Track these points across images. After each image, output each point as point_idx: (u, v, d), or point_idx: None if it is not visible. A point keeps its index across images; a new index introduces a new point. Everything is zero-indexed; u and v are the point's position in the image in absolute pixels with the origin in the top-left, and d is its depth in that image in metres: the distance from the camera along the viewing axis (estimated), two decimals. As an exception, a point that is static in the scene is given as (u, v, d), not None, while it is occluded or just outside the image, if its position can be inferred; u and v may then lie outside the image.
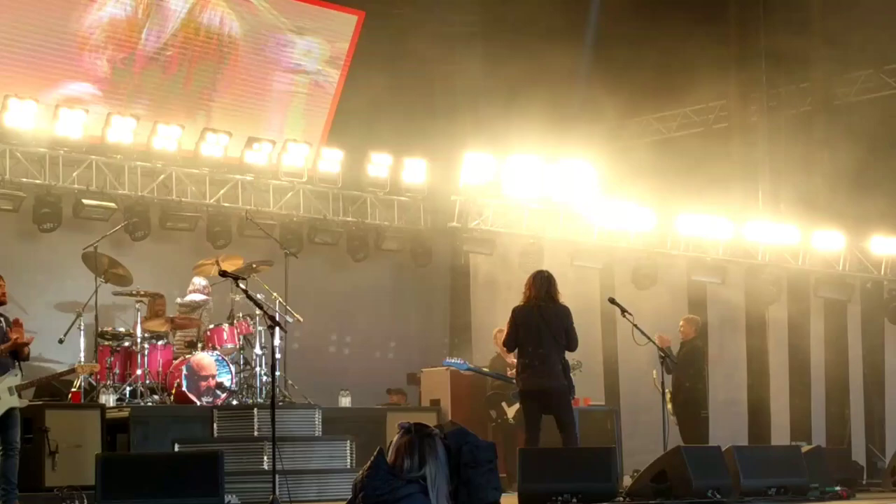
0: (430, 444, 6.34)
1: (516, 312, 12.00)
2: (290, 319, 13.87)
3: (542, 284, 11.91)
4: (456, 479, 6.36)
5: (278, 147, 15.98)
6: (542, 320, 11.83)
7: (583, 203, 17.16)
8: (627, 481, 12.80)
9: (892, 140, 19.51)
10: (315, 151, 16.45)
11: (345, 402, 15.00)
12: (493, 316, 18.03)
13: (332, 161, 16.37)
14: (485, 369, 15.06)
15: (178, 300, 14.25)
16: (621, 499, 11.42)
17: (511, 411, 15.36)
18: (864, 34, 20.26)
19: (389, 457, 6.37)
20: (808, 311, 19.11)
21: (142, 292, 13.67)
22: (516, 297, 17.80)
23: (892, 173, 19.35)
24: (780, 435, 18.02)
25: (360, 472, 6.36)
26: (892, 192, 19.00)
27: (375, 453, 6.36)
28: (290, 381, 14.18)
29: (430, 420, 13.67)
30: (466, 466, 6.39)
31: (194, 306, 14.09)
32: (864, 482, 16.35)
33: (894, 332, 19.60)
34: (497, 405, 15.43)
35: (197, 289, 14.21)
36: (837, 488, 13.05)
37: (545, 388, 11.86)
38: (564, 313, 11.92)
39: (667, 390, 13.82)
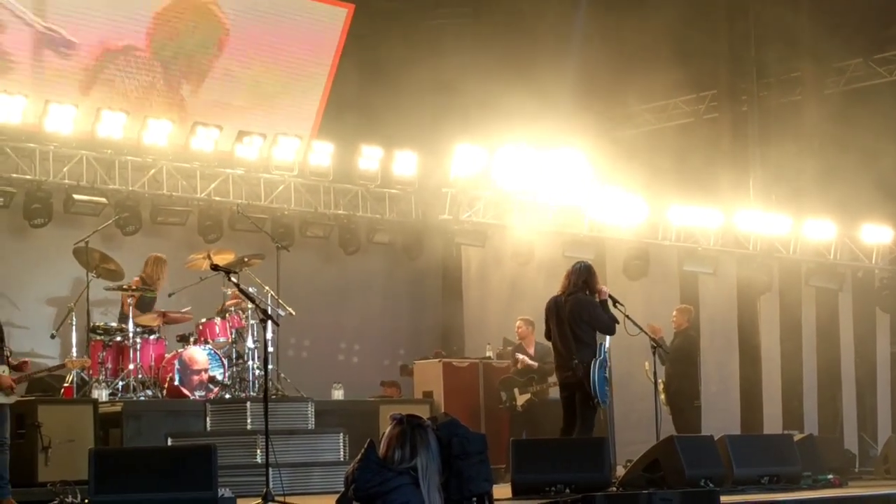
0: (421, 436, 6.35)
1: (547, 305, 12.24)
2: (282, 313, 13.85)
3: (573, 276, 12.07)
4: (447, 471, 6.37)
5: (269, 141, 15.97)
6: (562, 313, 12.02)
7: (574, 194, 17.16)
8: (621, 471, 12.81)
9: (882, 128, 19.54)
10: (306, 145, 16.44)
11: (337, 394, 15.00)
12: (486, 307, 18.11)
13: (322, 154, 16.36)
14: None
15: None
16: (614, 489, 11.43)
17: (521, 399, 15.41)
18: (854, 23, 20.30)
19: (381, 448, 6.38)
20: (799, 300, 19.13)
21: (133, 287, 13.66)
22: (508, 289, 18.03)
23: (882, 161, 19.38)
24: (772, 424, 18.04)
25: (352, 464, 6.37)
26: (883, 181, 19.03)
27: (366, 445, 6.38)
28: (282, 375, 14.18)
29: (422, 412, 13.66)
30: (457, 458, 6.41)
31: None
32: (856, 470, 16.40)
33: (885, 320, 19.64)
34: (510, 389, 15.48)
35: None
36: (830, 476, 13.09)
37: (565, 382, 12.19)
38: (582, 306, 11.97)
39: (659, 381, 13.83)
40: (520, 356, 15.56)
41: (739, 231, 18.41)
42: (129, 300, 13.48)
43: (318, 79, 17.76)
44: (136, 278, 14.06)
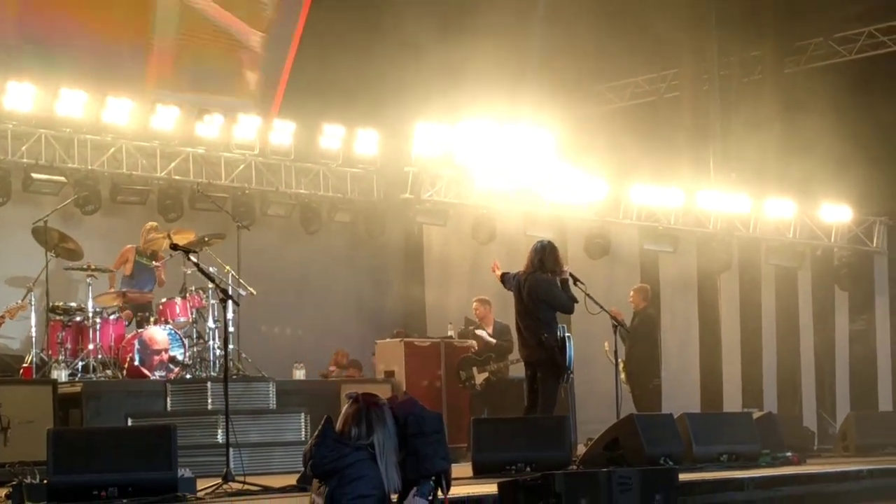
0: (377, 413, 6.41)
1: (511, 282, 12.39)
2: (242, 293, 13.82)
3: (533, 255, 12.20)
4: (404, 450, 6.43)
5: (229, 119, 15.89)
6: (522, 292, 12.17)
7: (535, 173, 17.17)
8: (582, 450, 12.87)
9: (842, 108, 19.64)
10: (267, 123, 16.37)
11: (299, 374, 14.99)
12: (447, 286, 18.12)
13: (284, 133, 16.31)
14: None
15: None
16: (575, 467, 11.49)
17: (480, 378, 15.46)
18: (815, 2, 20.40)
19: (338, 425, 6.45)
20: (759, 278, 19.25)
21: (93, 266, 13.58)
22: (470, 267, 18.05)
23: (842, 141, 19.49)
24: (732, 402, 18.17)
25: (309, 441, 6.43)
26: (843, 160, 19.14)
27: (323, 422, 6.43)
28: (243, 355, 14.15)
29: (384, 391, 13.68)
30: (413, 437, 6.45)
31: None
32: (815, 448, 16.51)
33: (844, 298, 19.79)
34: (468, 368, 15.51)
35: None
36: (788, 454, 13.17)
37: (526, 359, 12.43)
38: (539, 285, 12.09)
39: (620, 360, 13.90)
40: (478, 332, 15.58)
41: (700, 210, 18.49)
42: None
43: (279, 58, 17.69)
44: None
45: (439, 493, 6.59)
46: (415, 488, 6.45)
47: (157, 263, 14.12)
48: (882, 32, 20.27)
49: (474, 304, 15.74)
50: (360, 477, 6.24)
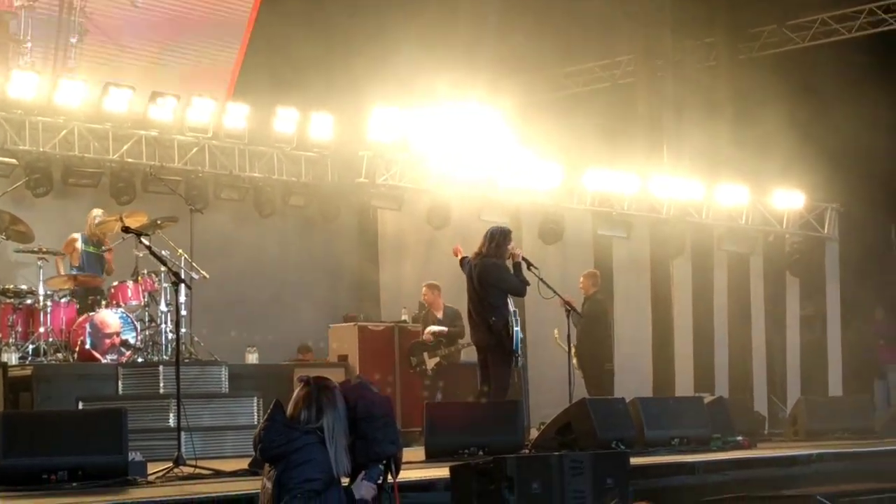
0: (327, 396, 6.41)
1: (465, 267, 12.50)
2: (195, 276, 13.75)
3: (486, 240, 12.29)
4: (353, 434, 6.43)
5: (183, 102, 15.77)
6: (472, 276, 12.28)
7: (491, 158, 17.19)
8: (535, 434, 12.92)
9: (794, 95, 19.79)
10: (221, 106, 16.26)
11: (252, 358, 14.93)
12: (401, 271, 18.11)
13: (237, 116, 16.19)
14: None
15: None
16: (527, 451, 11.53)
17: (431, 362, 15.47)
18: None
19: (289, 409, 6.45)
20: (711, 264, 19.39)
21: (44, 249, 13.48)
22: (424, 252, 18.04)
23: (794, 128, 19.64)
24: (684, 386, 18.29)
25: (259, 426, 6.43)
26: (795, 147, 19.29)
27: (272, 406, 6.43)
28: (195, 338, 14.09)
29: (337, 376, 13.67)
30: (361, 421, 6.46)
31: None
32: (765, 432, 16.63)
33: (795, 284, 19.96)
34: (419, 353, 15.52)
35: None
36: (739, 438, 13.27)
37: (476, 343, 12.52)
38: (489, 269, 12.17)
39: (572, 345, 13.94)
40: (430, 329, 15.58)
41: (653, 196, 18.57)
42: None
43: (234, 40, 17.59)
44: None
45: (389, 477, 6.59)
46: (363, 472, 6.45)
47: (106, 248, 14.02)
48: (835, 20, 20.45)
49: (423, 289, 15.76)
50: (308, 461, 6.24)
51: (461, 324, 15.04)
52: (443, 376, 15.44)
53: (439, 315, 15.60)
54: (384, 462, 6.56)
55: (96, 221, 13.93)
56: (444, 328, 15.46)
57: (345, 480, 6.51)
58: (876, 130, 18.85)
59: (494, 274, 12.22)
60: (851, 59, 20.31)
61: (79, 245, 13.86)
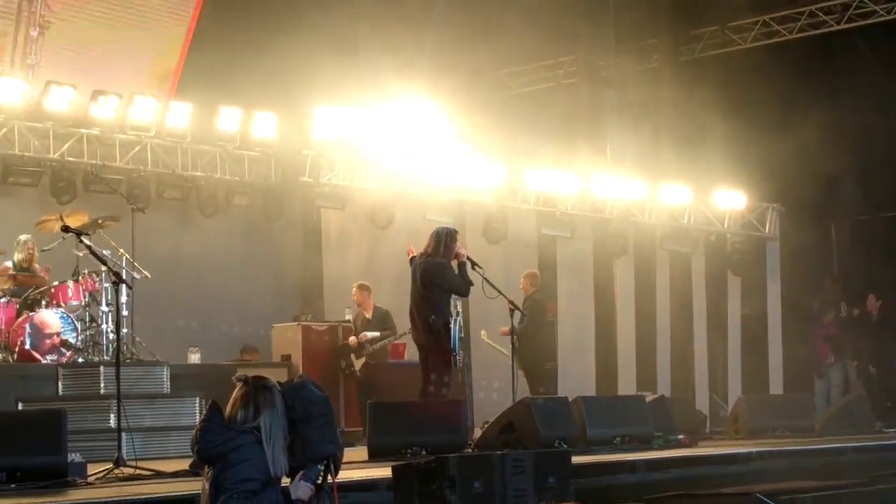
0: (265, 396, 6.40)
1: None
2: (136, 276, 13.67)
3: (432, 240, 12.36)
4: (292, 433, 6.43)
5: (125, 100, 15.65)
6: (416, 276, 12.38)
7: (435, 158, 17.20)
8: (479, 433, 12.95)
9: (736, 95, 19.96)
10: (163, 105, 16.15)
11: (194, 358, 14.87)
12: (345, 271, 18.07)
13: (180, 115, 16.07)
14: None
15: None
16: (470, 450, 11.55)
17: (358, 364, 15.49)
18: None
19: (227, 409, 6.43)
20: (653, 263, 19.50)
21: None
22: (368, 252, 18.02)
23: (736, 128, 19.82)
24: (626, 385, 18.39)
25: (196, 427, 6.42)
26: (737, 147, 19.47)
27: (208, 407, 6.42)
28: (137, 339, 14.00)
29: (280, 376, 13.62)
30: (300, 420, 6.46)
31: None
32: (707, 430, 16.76)
33: (736, 283, 20.12)
34: (347, 356, 15.53)
35: None
36: (680, 436, 13.37)
37: (417, 342, 12.61)
38: (433, 269, 12.23)
39: (514, 344, 13.98)
40: (362, 335, 15.59)
41: (596, 196, 18.65)
42: None
43: (177, 38, 17.49)
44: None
45: (329, 477, 6.59)
46: (301, 472, 6.44)
47: (38, 269, 13.83)
48: (776, 21, 20.64)
49: (353, 290, 15.79)
50: (245, 460, 6.22)
51: (392, 324, 15.13)
52: (371, 377, 15.41)
53: (369, 316, 15.64)
54: (323, 462, 6.56)
55: (27, 246, 13.75)
56: (377, 333, 15.47)
57: (286, 481, 6.51)
58: (816, 130, 19.04)
59: (438, 273, 12.29)
60: (792, 60, 20.52)
61: (8, 275, 13.65)
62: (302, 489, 6.41)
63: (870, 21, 19.99)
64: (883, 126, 20.33)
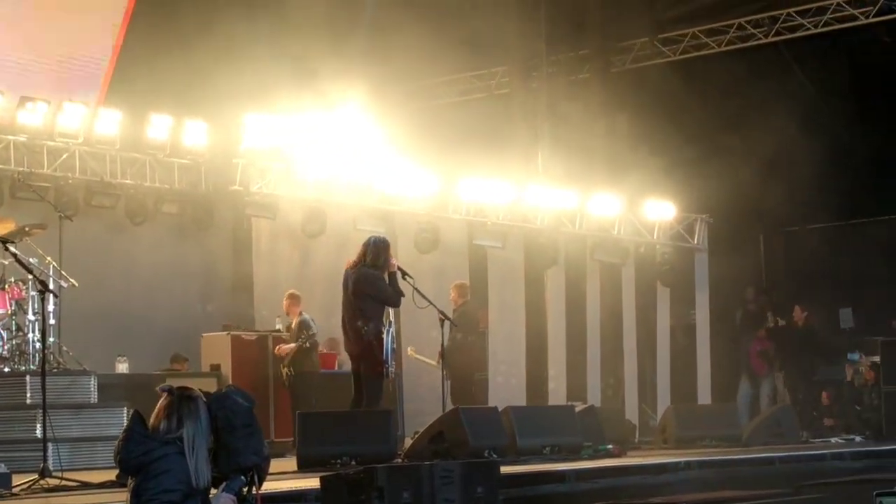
0: (189, 406, 6.37)
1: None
2: (64, 284, 13.51)
3: (364, 249, 12.30)
4: (216, 444, 6.40)
5: (53, 107, 15.51)
6: (348, 286, 12.33)
7: (367, 167, 17.19)
8: (409, 443, 12.95)
9: (666, 107, 20.13)
10: (92, 112, 16.01)
11: (122, 368, 14.74)
12: (276, 280, 17.99)
13: (110, 122, 15.95)
14: None
15: None
16: (400, 460, 11.55)
17: (284, 372, 15.45)
18: (640, 3, 20.86)
19: (151, 420, 6.39)
20: (584, 274, 19.61)
21: None
22: (299, 261, 17.95)
23: (666, 140, 20.00)
24: (557, 395, 18.47)
25: (119, 437, 6.38)
26: (667, 158, 19.64)
27: (130, 416, 6.39)
28: (64, 348, 13.83)
29: (209, 385, 13.55)
30: (222, 431, 6.43)
31: None
32: (636, 440, 16.88)
33: (666, 294, 20.28)
34: (277, 366, 15.47)
35: None
36: (609, 446, 13.45)
37: (349, 352, 12.61)
38: (365, 279, 12.22)
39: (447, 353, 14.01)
40: (279, 348, 15.58)
41: (528, 206, 18.72)
42: None
43: (106, 44, 17.33)
44: None
45: (254, 489, 6.55)
46: (224, 483, 6.40)
47: None
48: (705, 34, 20.84)
49: (285, 299, 15.77)
50: (166, 471, 6.19)
51: (308, 333, 15.10)
52: (293, 387, 15.35)
53: (293, 324, 15.63)
54: (248, 473, 6.53)
55: None
56: (292, 345, 15.43)
57: (213, 492, 6.46)
58: (744, 142, 19.26)
59: (371, 283, 12.27)
60: (721, 72, 20.73)
61: None
62: (224, 500, 6.36)
63: (797, 34, 20.24)
64: (810, 138, 20.59)
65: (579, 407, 14.57)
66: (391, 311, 12.78)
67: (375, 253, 12.33)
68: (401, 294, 12.47)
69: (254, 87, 17.57)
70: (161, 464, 6.20)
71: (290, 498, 8.58)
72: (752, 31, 20.48)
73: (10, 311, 13.29)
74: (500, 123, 20.36)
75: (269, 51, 17.48)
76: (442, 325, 13.23)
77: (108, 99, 17.09)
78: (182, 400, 6.38)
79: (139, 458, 6.24)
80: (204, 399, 6.44)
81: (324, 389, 15.31)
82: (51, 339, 12.70)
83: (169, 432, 6.31)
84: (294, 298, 15.70)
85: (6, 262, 13.16)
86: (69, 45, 17.07)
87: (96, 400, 12.91)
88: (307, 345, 15.31)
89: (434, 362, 15.26)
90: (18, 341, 13.30)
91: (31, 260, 12.02)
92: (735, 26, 20.58)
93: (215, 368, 15.39)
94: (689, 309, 20.56)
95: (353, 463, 11.02)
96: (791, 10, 20.02)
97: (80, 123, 15.67)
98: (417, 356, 16.19)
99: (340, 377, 15.25)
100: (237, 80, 17.71)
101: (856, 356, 18.76)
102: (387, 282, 12.42)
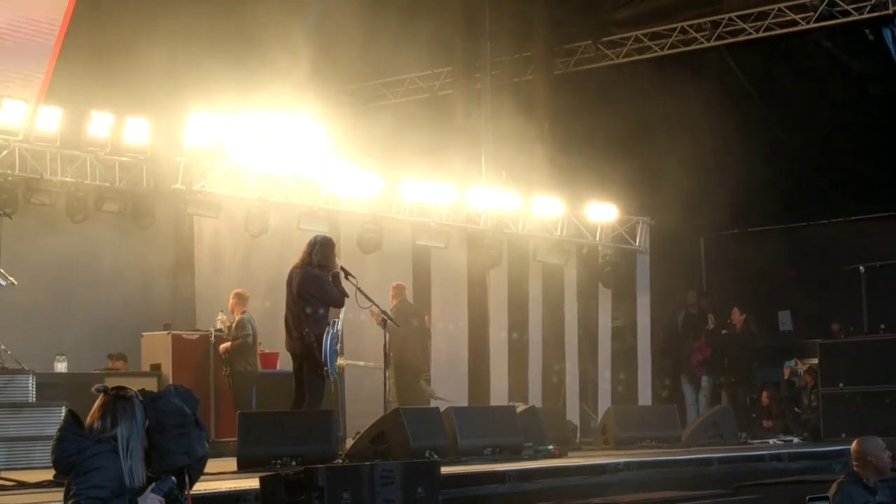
0: (123, 406, 6.38)
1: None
2: (2, 282, 13.39)
3: (308, 249, 12.29)
4: (148, 443, 6.41)
5: (-8, 104, 15.35)
6: (292, 286, 12.34)
7: (310, 166, 17.14)
8: (351, 444, 12.94)
9: (608, 109, 20.24)
10: (32, 109, 15.85)
11: (61, 367, 14.61)
12: (218, 279, 17.92)
13: (50, 119, 15.79)
14: None
15: None
16: (341, 461, 11.54)
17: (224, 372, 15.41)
18: (584, 6, 20.97)
19: (87, 420, 6.38)
20: (527, 275, 19.68)
21: None
22: (242, 260, 17.88)
23: (608, 142, 20.11)
24: (499, 395, 18.51)
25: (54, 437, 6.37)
26: (609, 160, 19.73)
27: (64, 416, 6.38)
28: (2, 346, 13.70)
29: (150, 385, 13.47)
30: (153, 431, 6.43)
31: None
32: (577, 441, 16.95)
33: (607, 295, 20.39)
34: (220, 365, 15.43)
35: None
36: (550, 447, 13.50)
37: (291, 351, 12.56)
38: (309, 279, 12.22)
39: (389, 354, 14.00)
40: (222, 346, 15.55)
41: (471, 207, 18.75)
42: None
43: (47, 40, 17.17)
44: None
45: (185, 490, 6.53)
46: (153, 484, 6.39)
47: None
48: (648, 37, 20.96)
49: (231, 297, 15.74)
50: (97, 468, 6.19)
51: (243, 333, 15.07)
52: (235, 387, 15.31)
53: (233, 323, 15.59)
54: (179, 474, 6.51)
55: None
56: (228, 343, 15.39)
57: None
58: (685, 145, 19.39)
59: (314, 283, 12.26)
60: (663, 76, 20.86)
61: None
62: (151, 501, 6.34)
63: (739, 39, 20.40)
64: (751, 142, 20.80)
65: (520, 407, 14.62)
66: (338, 311, 12.75)
67: (322, 253, 12.34)
68: (344, 294, 12.46)
69: (197, 85, 17.48)
70: (93, 461, 6.21)
71: (229, 498, 8.55)
72: (695, 34, 20.62)
73: (-53, 310, 13.17)
74: (444, 124, 20.38)
75: (212, 49, 17.39)
76: (384, 326, 13.23)
77: (48, 96, 16.92)
78: (117, 400, 6.38)
79: (73, 456, 6.24)
80: (140, 399, 6.43)
81: (264, 389, 15.26)
82: (-11, 338, 12.60)
83: (104, 431, 6.31)
84: (240, 297, 15.64)
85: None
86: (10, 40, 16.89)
87: (34, 399, 12.81)
88: (238, 341, 15.25)
89: (373, 364, 15.26)
90: (-44, 340, 13.18)
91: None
92: (678, 30, 20.71)
93: (156, 368, 15.31)
94: (630, 311, 20.70)
95: (294, 463, 11.00)
96: (733, 14, 20.18)
97: (20, 120, 15.51)
98: (353, 362, 16.08)
99: (280, 377, 15.22)
100: (180, 78, 17.62)
101: (792, 363, 18.97)
102: (330, 282, 12.41)
